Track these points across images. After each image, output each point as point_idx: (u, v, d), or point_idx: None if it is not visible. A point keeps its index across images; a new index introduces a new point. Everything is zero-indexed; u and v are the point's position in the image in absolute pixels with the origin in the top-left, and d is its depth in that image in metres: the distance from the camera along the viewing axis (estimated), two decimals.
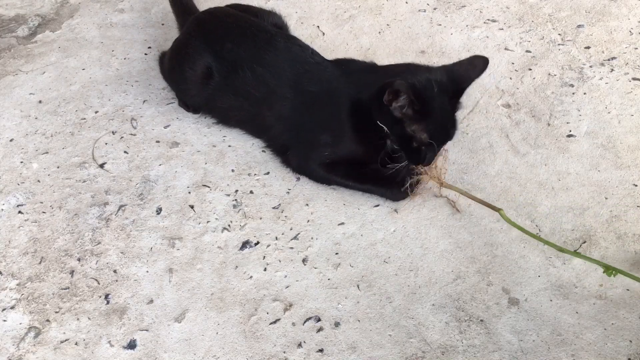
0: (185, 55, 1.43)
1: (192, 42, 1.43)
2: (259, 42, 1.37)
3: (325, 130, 1.30)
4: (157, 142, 1.43)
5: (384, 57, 1.61)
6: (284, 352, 1.08)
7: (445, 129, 1.22)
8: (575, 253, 1.17)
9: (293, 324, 1.12)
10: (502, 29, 1.70)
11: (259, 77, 1.34)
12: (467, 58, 1.24)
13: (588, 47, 1.63)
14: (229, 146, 1.42)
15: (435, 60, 1.60)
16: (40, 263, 1.21)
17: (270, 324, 1.12)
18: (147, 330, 1.11)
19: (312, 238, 1.25)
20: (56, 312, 1.14)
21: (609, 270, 1.13)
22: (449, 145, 1.28)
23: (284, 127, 1.35)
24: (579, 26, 1.70)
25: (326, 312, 1.13)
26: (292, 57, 1.35)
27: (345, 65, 1.35)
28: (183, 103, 1.50)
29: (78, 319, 1.13)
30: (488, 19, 1.73)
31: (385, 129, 1.22)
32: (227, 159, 1.39)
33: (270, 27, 1.46)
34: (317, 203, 1.31)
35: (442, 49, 1.63)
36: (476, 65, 1.22)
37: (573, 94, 1.51)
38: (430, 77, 1.20)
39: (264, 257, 1.22)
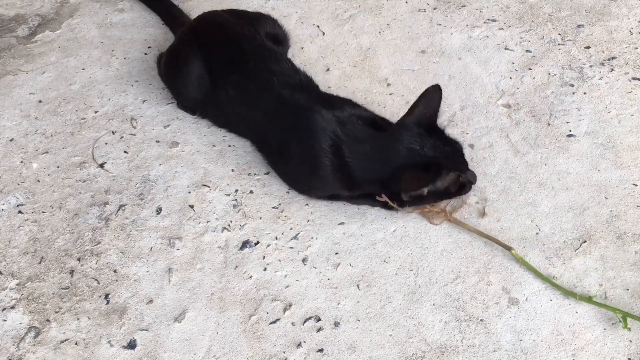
0: (179, 62, 1.43)
1: (185, 50, 1.43)
2: (238, 62, 1.35)
3: (303, 171, 1.27)
4: (157, 141, 1.43)
5: (384, 57, 1.61)
6: (284, 352, 1.08)
7: (462, 157, 1.23)
8: (589, 299, 1.12)
9: (293, 323, 1.12)
10: (502, 28, 1.70)
11: (235, 97, 1.34)
12: (421, 96, 1.20)
13: (588, 47, 1.63)
14: (229, 146, 1.42)
15: (436, 60, 1.60)
16: (40, 263, 1.21)
17: (270, 323, 1.12)
18: (147, 330, 1.11)
19: (312, 238, 1.25)
20: (56, 312, 1.14)
21: (625, 319, 1.07)
22: None
23: (266, 149, 1.35)
24: (579, 26, 1.69)
25: (326, 312, 1.13)
26: (265, 81, 1.31)
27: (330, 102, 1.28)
28: (181, 105, 1.50)
29: (78, 319, 1.13)
30: (488, 19, 1.73)
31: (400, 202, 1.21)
32: (227, 159, 1.39)
33: (259, 40, 1.41)
34: (317, 203, 1.31)
35: (442, 49, 1.63)
36: (433, 97, 1.20)
37: (573, 93, 1.51)
38: (430, 142, 1.18)
39: (264, 257, 1.22)
